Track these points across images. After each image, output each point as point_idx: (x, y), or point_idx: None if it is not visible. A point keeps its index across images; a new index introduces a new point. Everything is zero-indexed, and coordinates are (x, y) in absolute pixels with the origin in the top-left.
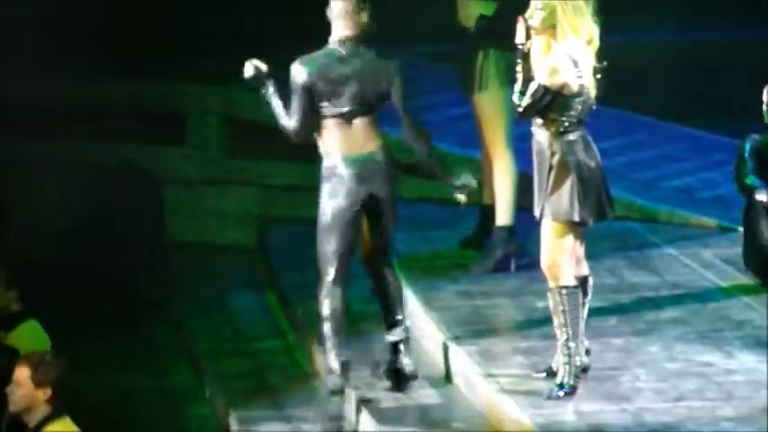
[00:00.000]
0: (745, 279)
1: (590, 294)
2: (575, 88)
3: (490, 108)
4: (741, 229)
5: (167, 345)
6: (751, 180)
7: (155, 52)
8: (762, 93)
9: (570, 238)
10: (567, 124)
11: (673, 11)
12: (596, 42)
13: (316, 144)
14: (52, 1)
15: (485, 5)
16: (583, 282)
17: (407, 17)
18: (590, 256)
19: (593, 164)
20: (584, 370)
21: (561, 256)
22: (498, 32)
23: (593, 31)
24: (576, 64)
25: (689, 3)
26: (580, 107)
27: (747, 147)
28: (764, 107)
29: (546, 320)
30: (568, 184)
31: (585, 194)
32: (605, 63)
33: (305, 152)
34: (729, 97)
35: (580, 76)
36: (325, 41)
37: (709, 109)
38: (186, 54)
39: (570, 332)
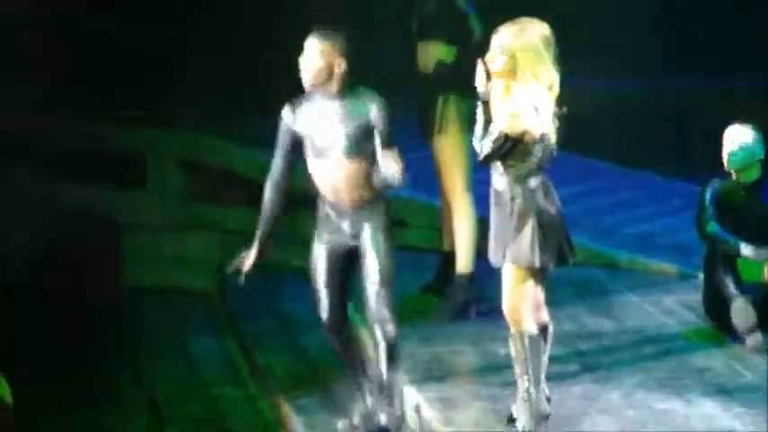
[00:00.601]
0: (706, 326)
1: (550, 341)
2: (535, 134)
3: (450, 153)
4: (701, 275)
5: (127, 389)
6: (712, 227)
7: (116, 95)
8: (721, 138)
9: (531, 284)
10: (527, 170)
11: (632, 58)
12: (556, 88)
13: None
14: (15, 38)
15: (444, 51)
16: (543, 329)
17: (367, 59)
18: (550, 302)
19: (553, 209)
20: (545, 417)
21: (523, 301)
22: (457, 78)
23: (553, 77)
24: (536, 110)
25: (649, 50)
26: (541, 153)
27: (708, 193)
28: (725, 153)
29: (507, 367)
30: (529, 230)
31: (546, 240)
32: (565, 109)
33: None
34: (689, 143)
35: (541, 123)
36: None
37: (668, 155)
38: (147, 97)
39: (531, 379)
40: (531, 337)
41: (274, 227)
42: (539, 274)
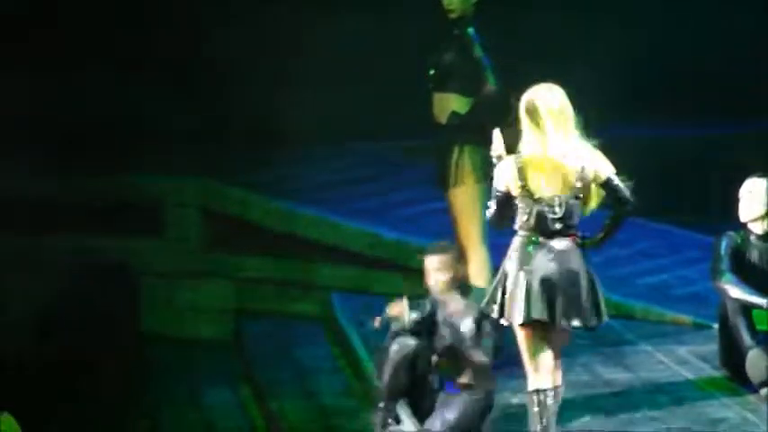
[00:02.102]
0: (720, 376)
1: (559, 400)
2: (514, 193)
3: (465, 204)
4: (716, 326)
5: None
6: (727, 277)
7: (133, 144)
8: (737, 190)
9: (531, 340)
10: (524, 229)
11: (647, 108)
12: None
13: None
14: (26, 97)
15: (459, 102)
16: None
17: (384, 111)
18: (564, 352)
19: (552, 271)
20: None
21: (528, 357)
22: (472, 128)
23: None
24: (521, 171)
25: (663, 100)
26: (533, 212)
27: (723, 244)
28: (741, 205)
29: (520, 416)
30: (521, 287)
31: (530, 298)
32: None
33: (280, 246)
34: (704, 194)
35: (523, 184)
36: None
37: (684, 206)
38: (165, 146)
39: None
40: (536, 393)
41: None
42: (544, 332)
